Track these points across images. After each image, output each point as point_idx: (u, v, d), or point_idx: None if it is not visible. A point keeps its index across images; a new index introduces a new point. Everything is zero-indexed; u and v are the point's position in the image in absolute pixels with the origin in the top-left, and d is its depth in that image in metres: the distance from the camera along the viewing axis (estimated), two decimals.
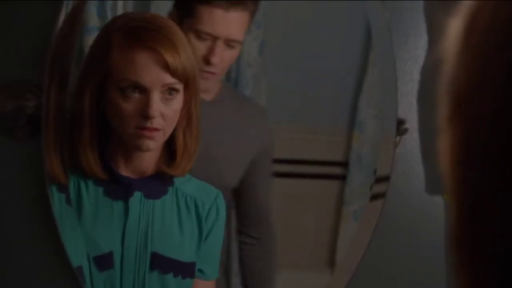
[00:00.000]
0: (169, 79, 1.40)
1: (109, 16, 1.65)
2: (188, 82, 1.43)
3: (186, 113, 1.45)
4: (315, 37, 1.77)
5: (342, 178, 1.77)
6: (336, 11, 1.76)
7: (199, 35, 1.57)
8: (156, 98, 1.39)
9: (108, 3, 1.67)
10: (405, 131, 1.59)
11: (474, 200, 0.51)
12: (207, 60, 1.58)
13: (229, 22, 1.59)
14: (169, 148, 1.47)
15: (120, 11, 1.68)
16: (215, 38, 1.58)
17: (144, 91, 1.39)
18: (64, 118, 1.46)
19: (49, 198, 1.44)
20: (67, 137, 1.45)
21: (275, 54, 1.75)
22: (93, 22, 1.66)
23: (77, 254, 1.44)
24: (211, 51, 1.58)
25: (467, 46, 0.52)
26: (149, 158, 1.46)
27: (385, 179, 1.70)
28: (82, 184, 1.45)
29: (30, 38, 1.50)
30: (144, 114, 1.39)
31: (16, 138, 1.49)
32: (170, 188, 1.49)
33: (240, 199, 1.68)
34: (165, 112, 1.41)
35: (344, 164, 1.78)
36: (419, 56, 1.63)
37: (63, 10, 1.52)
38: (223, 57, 1.60)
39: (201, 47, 1.58)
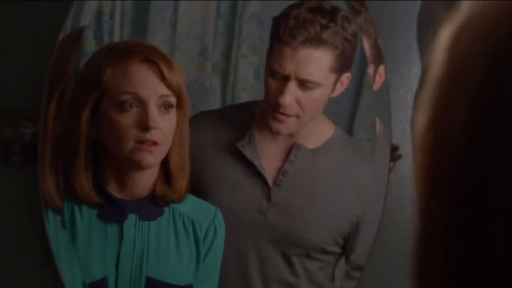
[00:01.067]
0: (165, 90, 1.42)
1: (106, 40, 1.66)
2: (181, 99, 1.44)
3: (180, 133, 1.46)
4: None
5: None
6: None
7: (272, 73, 1.57)
8: (154, 109, 1.41)
9: (105, 28, 1.69)
10: (399, 157, 1.60)
11: (444, 223, 0.51)
12: (276, 100, 1.56)
13: (299, 61, 1.55)
14: (164, 169, 1.47)
15: (117, 35, 1.70)
16: (286, 78, 1.56)
17: (142, 104, 1.41)
18: (58, 142, 1.47)
19: (45, 223, 1.45)
20: (62, 161, 1.45)
21: None
22: (90, 47, 1.66)
23: (73, 280, 1.43)
24: (280, 91, 1.56)
25: (450, 60, 0.53)
26: (144, 179, 1.46)
27: None
28: (76, 208, 1.45)
29: (27, 64, 1.51)
30: (143, 125, 1.40)
31: (12, 164, 1.49)
32: (166, 209, 1.48)
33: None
34: (162, 126, 1.42)
35: None
36: (412, 82, 1.64)
37: (60, 36, 1.52)
38: (298, 99, 1.56)
39: (274, 86, 1.57)
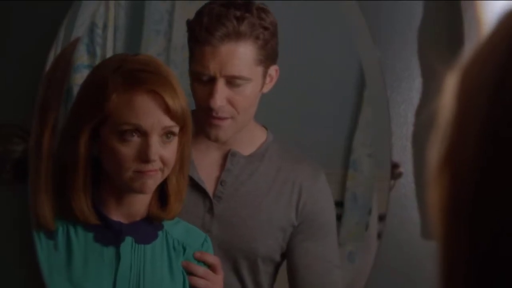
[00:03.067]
0: (169, 122, 1.41)
1: (99, 54, 1.67)
2: (184, 125, 1.44)
3: (180, 156, 1.45)
4: (307, 75, 1.77)
5: (338, 218, 1.75)
6: (328, 49, 1.76)
7: (197, 77, 1.53)
8: (155, 141, 1.40)
9: (97, 41, 1.68)
10: (400, 175, 1.59)
11: (463, 254, 0.55)
12: (207, 104, 1.52)
13: (221, 58, 1.51)
14: (161, 191, 1.47)
15: (109, 48, 1.69)
16: (212, 79, 1.52)
17: (144, 135, 1.40)
18: (53, 162, 1.46)
19: (35, 244, 1.44)
20: (57, 182, 1.45)
21: (267, 93, 1.72)
22: (82, 60, 1.66)
23: None
24: (209, 94, 1.52)
25: (458, 104, 0.57)
26: (141, 202, 1.46)
27: (381, 218, 1.69)
28: (71, 230, 1.44)
29: (18, 80, 1.50)
30: (144, 158, 1.39)
31: (2, 181, 1.48)
32: (160, 233, 1.49)
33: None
34: (164, 154, 1.42)
35: (339, 204, 1.76)
36: (413, 98, 1.63)
37: (52, 51, 1.52)
38: (229, 99, 1.52)
39: (202, 90, 1.53)
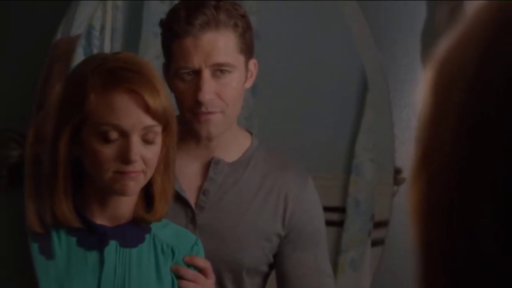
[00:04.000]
0: (150, 122, 1.39)
1: None
2: (167, 124, 1.42)
3: (164, 157, 1.43)
4: (308, 77, 1.77)
5: (339, 224, 1.75)
6: (329, 51, 1.76)
7: (179, 75, 1.49)
8: (136, 141, 1.38)
9: (95, 43, 1.67)
10: (403, 180, 1.57)
11: (440, 258, 0.54)
12: (195, 99, 1.48)
13: (204, 48, 1.48)
14: (146, 193, 1.45)
15: (107, 50, 1.69)
16: (197, 72, 1.48)
17: (124, 135, 1.38)
18: (35, 165, 1.45)
19: (31, 250, 1.43)
20: (43, 185, 1.44)
21: (268, 95, 1.75)
22: None
23: None
24: (196, 88, 1.48)
25: (433, 99, 0.55)
26: (126, 204, 1.44)
27: (384, 224, 1.67)
28: (54, 234, 1.43)
29: (14, 83, 1.50)
30: (124, 158, 1.38)
31: None
32: (147, 235, 1.47)
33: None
34: (146, 155, 1.40)
35: (341, 210, 1.76)
36: (416, 102, 1.60)
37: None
38: (217, 91, 1.49)
39: (187, 87, 1.49)
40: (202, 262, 1.49)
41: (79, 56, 1.61)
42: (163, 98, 1.39)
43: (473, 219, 0.51)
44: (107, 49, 1.67)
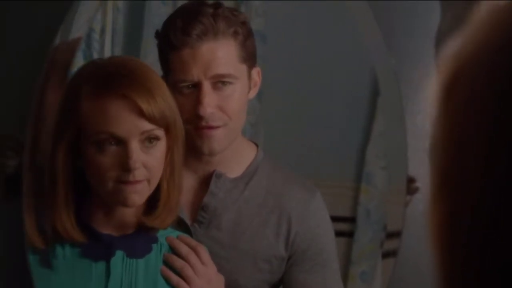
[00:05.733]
0: (147, 126, 1.36)
1: None
2: (169, 127, 1.38)
3: (170, 162, 1.40)
4: (317, 81, 1.75)
5: (349, 235, 1.73)
6: (339, 55, 1.74)
7: (178, 88, 1.45)
8: (135, 148, 1.35)
9: (95, 46, 1.66)
10: (416, 190, 1.55)
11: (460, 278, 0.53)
12: (195, 113, 1.44)
13: (203, 59, 1.44)
14: (152, 199, 1.42)
15: (107, 54, 1.68)
16: (197, 85, 1.45)
17: (122, 142, 1.36)
18: (35, 179, 1.45)
19: (28, 261, 1.42)
20: (43, 198, 1.42)
21: (274, 101, 1.72)
22: (78, 67, 1.63)
23: None
24: (196, 101, 1.44)
25: (445, 115, 0.53)
26: (131, 212, 1.42)
27: (396, 235, 1.65)
28: (58, 245, 1.42)
29: (11, 90, 1.50)
30: (124, 167, 1.35)
31: None
32: (154, 246, 1.45)
33: None
34: (148, 161, 1.37)
35: (351, 220, 1.73)
36: (431, 109, 1.59)
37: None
38: (219, 105, 1.45)
39: (186, 101, 1.45)
40: (194, 242, 1.45)
41: (78, 60, 1.61)
42: (160, 100, 1.36)
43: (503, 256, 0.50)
44: (107, 52, 1.65)
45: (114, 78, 1.36)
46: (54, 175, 1.38)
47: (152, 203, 1.42)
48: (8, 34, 1.51)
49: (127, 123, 1.34)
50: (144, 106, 1.34)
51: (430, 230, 0.55)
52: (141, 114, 1.34)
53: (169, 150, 1.39)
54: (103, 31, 1.65)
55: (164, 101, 1.36)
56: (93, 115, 1.35)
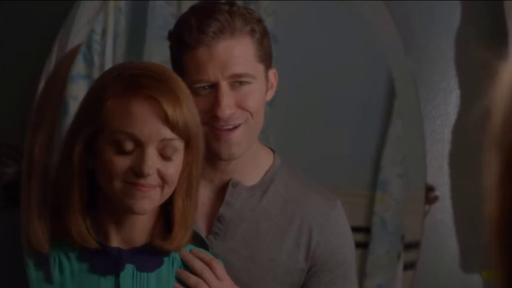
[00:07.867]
0: (168, 134, 1.34)
1: (96, 62, 1.66)
2: (190, 141, 1.37)
3: (187, 177, 1.39)
4: (330, 84, 1.74)
5: (364, 246, 1.71)
6: (355, 56, 1.72)
7: (194, 89, 1.42)
8: (152, 153, 1.34)
9: (95, 48, 1.66)
10: (435, 199, 1.55)
11: None
12: (214, 114, 1.42)
13: (220, 58, 1.42)
14: (166, 216, 1.41)
15: (109, 56, 1.67)
16: (214, 85, 1.42)
17: (139, 145, 1.35)
18: (48, 182, 1.44)
19: (27, 273, 1.42)
20: (52, 203, 1.41)
21: (286, 104, 1.70)
22: (78, 70, 1.66)
23: None
24: (214, 103, 1.42)
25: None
26: (142, 225, 1.41)
27: (414, 246, 1.64)
28: (64, 259, 1.40)
29: (11, 95, 1.51)
30: (138, 171, 1.34)
31: None
32: (166, 259, 1.43)
33: None
34: (163, 170, 1.35)
35: (366, 230, 1.72)
36: (450, 113, 1.60)
37: (47, 64, 1.51)
38: (238, 102, 1.43)
39: (203, 102, 1.42)
40: (208, 257, 1.43)
41: (78, 63, 1.61)
42: (185, 110, 1.34)
43: None
44: (109, 54, 1.65)
45: (143, 79, 1.35)
46: (70, 174, 1.37)
47: (166, 221, 1.41)
48: (8, 34, 1.52)
49: (148, 126, 1.33)
50: (169, 111, 1.32)
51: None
52: (165, 119, 1.33)
53: (188, 165, 1.38)
54: (104, 32, 1.65)
55: (189, 112, 1.35)
56: (116, 114, 1.34)
